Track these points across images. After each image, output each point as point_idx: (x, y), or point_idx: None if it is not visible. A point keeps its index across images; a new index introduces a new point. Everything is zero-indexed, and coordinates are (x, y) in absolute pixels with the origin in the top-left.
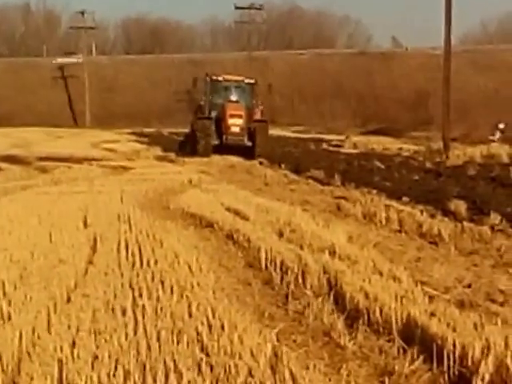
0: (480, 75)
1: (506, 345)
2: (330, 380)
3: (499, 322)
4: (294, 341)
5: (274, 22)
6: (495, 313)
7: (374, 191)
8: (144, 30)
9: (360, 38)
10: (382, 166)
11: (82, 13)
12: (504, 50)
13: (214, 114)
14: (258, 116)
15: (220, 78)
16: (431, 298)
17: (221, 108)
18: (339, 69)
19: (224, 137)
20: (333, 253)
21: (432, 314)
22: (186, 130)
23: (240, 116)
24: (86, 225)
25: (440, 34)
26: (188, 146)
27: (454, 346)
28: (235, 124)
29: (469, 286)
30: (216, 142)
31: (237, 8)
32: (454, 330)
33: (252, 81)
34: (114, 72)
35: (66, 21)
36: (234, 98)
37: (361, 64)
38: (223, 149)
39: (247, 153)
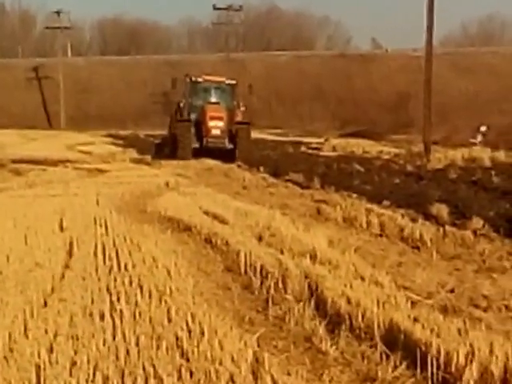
0: (461, 78)
1: (491, 351)
2: None
3: (483, 328)
4: (275, 346)
5: (251, 23)
6: (479, 318)
7: (354, 195)
8: (120, 31)
9: (339, 39)
10: (362, 170)
11: (58, 13)
12: (485, 53)
13: (193, 116)
14: (239, 118)
15: (200, 79)
16: (414, 303)
17: (201, 110)
18: (318, 71)
19: (204, 140)
20: (313, 257)
21: (415, 320)
22: (163, 132)
23: (221, 118)
24: (62, 228)
25: (420, 35)
26: (166, 149)
27: (439, 351)
28: (216, 126)
29: (452, 291)
30: (196, 145)
31: (215, 9)
32: (438, 336)
33: (233, 82)
34: (90, 73)
35: (41, 21)
36: (214, 99)
37: (340, 66)
38: (203, 152)
39: (228, 156)
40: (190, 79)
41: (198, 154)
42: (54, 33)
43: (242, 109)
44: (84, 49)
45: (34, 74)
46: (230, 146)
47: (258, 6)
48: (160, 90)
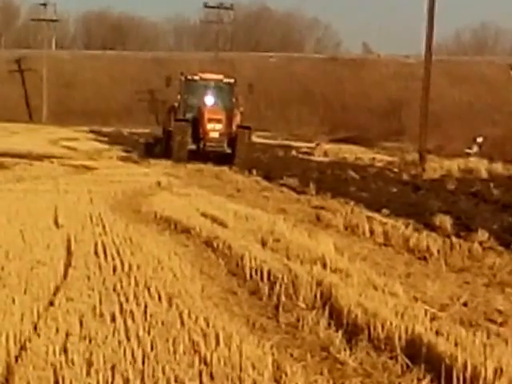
0: (454, 87)
1: None
2: None
3: (509, 343)
4: (291, 354)
5: (241, 22)
6: (496, 333)
7: (352, 202)
8: (105, 25)
9: (328, 42)
10: (357, 177)
11: (44, 4)
12: (479, 62)
13: (189, 116)
14: (238, 119)
15: (196, 77)
16: (431, 315)
17: (198, 111)
18: (308, 74)
19: (202, 142)
20: (323, 265)
21: (437, 332)
22: (147, 131)
23: (219, 120)
24: (57, 225)
25: (412, 41)
26: (156, 149)
27: (465, 365)
28: (214, 129)
29: (465, 304)
30: (192, 147)
31: (206, 7)
32: (464, 350)
33: (231, 80)
34: (74, 67)
35: (25, 12)
36: (211, 99)
37: (331, 70)
38: (200, 155)
39: (225, 160)
40: (186, 77)
41: (194, 156)
42: (37, 24)
43: (241, 109)
44: (67, 42)
45: (17, 66)
46: (229, 150)
47: (248, 5)
48: (146, 87)
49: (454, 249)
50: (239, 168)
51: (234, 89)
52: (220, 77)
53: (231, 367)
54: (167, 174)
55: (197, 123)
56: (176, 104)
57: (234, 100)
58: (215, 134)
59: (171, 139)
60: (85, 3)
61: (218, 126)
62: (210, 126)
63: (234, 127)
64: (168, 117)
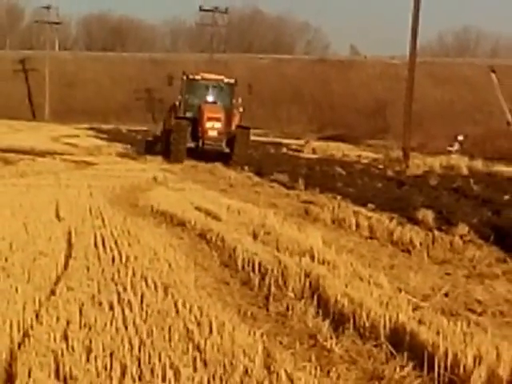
0: (437, 87)
1: (498, 355)
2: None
3: (488, 332)
4: (281, 342)
5: (234, 25)
6: (476, 322)
7: (339, 197)
8: (105, 28)
9: (318, 44)
10: (344, 173)
11: (48, 7)
12: (461, 64)
13: (189, 115)
14: (237, 119)
15: (198, 77)
16: (413, 305)
17: (198, 109)
18: (298, 75)
19: (200, 141)
20: (311, 257)
21: (420, 321)
22: (144, 128)
23: (218, 119)
24: (59, 218)
25: (397, 43)
26: (158, 147)
27: (446, 353)
28: (213, 128)
29: (446, 295)
30: (191, 145)
31: (202, 10)
32: (445, 338)
33: (232, 81)
34: (76, 67)
35: (29, 14)
36: (211, 98)
37: (319, 71)
38: (198, 153)
39: (223, 159)
40: (187, 76)
41: (192, 155)
42: (41, 26)
43: (240, 110)
44: (69, 44)
45: (21, 66)
46: (227, 150)
47: (242, 9)
48: (144, 86)
49: (435, 242)
50: (237, 167)
51: (234, 89)
52: (221, 77)
53: (224, 354)
54: (163, 170)
55: (196, 121)
56: (177, 103)
57: (234, 100)
58: (214, 133)
59: (170, 136)
60: (86, 6)
61: (217, 125)
62: (209, 124)
63: (233, 127)
64: (169, 115)
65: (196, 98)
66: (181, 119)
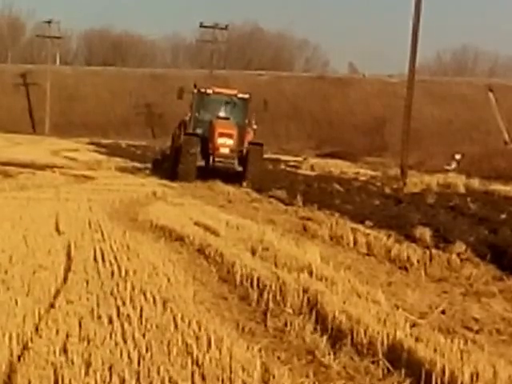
0: (434, 106)
1: (495, 373)
2: None
3: (485, 350)
4: (279, 357)
5: (234, 41)
6: (472, 340)
7: (337, 214)
8: (106, 43)
9: (317, 62)
10: (342, 190)
11: (49, 22)
12: (458, 83)
13: (199, 131)
14: (250, 137)
15: (209, 91)
16: (411, 322)
17: (209, 125)
18: (296, 91)
19: (211, 158)
20: (309, 273)
21: (417, 339)
22: (144, 143)
23: (231, 136)
24: (58, 231)
25: (396, 61)
26: (165, 166)
27: (443, 371)
28: (225, 144)
29: (443, 312)
30: (201, 164)
31: (202, 27)
32: (442, 356)
33: (246, 96)
34: (76, 82)
35: (30, 29)
36: (224, 114)
37: (318, 88)
38: (208, 172)
39: (235, 179)
40: (198, 90)
41: (202, 174)
42: (42, 41)
43: (255, 127)
44: (70, 58)
45: (22, 79)
46: (240, 168)
47: (242, 26)
48: (143, 101)
49: (433, 259)
50: (251, 187)
51: (248, 105)
52: (234, 91)
53: (222, 369)
54: (162, 185)
55: (207, 138)
56: (187, 118)
57: (247, 116)
58: (225, 150)
59: (180, 154)
60: (87, 21)
61: (229, 142)
62: (220, 140)
63: (245, 144)
64: (178, 132)
65: (207, 114)
66: (190, 135)
